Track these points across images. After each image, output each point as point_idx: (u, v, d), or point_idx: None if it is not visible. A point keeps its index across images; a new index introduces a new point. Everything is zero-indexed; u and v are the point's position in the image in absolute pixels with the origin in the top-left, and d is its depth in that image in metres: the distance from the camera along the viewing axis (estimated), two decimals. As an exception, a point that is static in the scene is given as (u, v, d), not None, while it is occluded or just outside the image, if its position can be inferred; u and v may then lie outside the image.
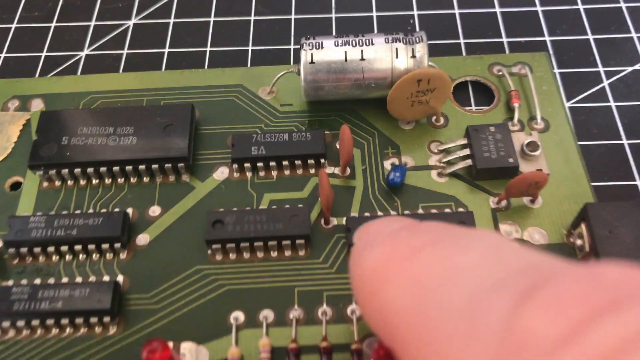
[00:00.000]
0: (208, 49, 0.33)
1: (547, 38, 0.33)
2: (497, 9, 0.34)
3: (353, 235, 0.19)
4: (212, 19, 0.35)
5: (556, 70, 0.31)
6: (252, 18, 0.34)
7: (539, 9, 0.34)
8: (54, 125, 0.28)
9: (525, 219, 0.26)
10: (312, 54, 0.27)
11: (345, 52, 0.27)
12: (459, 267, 0.13)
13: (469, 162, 0.27)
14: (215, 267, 0.25)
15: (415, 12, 0.34)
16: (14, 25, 0.35)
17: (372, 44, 0.27)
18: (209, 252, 0.25)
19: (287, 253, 0.25)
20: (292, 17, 0.34)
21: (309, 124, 0.29)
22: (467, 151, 0.27)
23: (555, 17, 0.34)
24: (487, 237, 0.14)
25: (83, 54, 0.33)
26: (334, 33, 0.33)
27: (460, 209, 0.26)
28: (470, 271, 0.12)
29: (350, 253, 0.18)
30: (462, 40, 0.33)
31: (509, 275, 0.12)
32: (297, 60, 0.32)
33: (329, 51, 0.27)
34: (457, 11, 0.34)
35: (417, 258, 0.14)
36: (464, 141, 0.28)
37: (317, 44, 0.27)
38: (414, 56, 0.27)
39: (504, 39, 0.33)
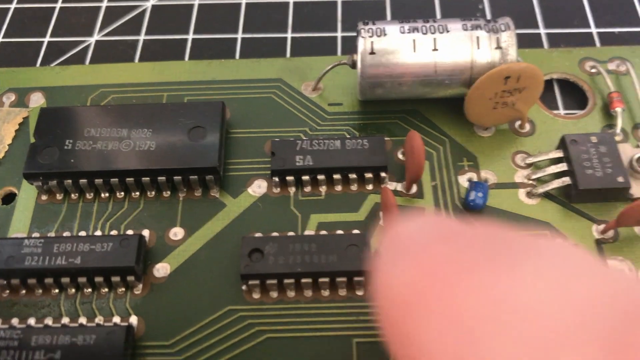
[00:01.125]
0: (240, 35, 0.28)
1: (646, 28, 0.27)
2: (583, -7, 0.29)
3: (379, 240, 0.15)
4: (244, 0, 0.29)
5: (660, 67, 0.26)
6: (292, 0, 0.29)
7: (633, -7, 0.29)
8: (55, 125, 0.23)
9: (639, 254, 0.21)
10: (372, 42, 0.22)
11: (414, 40, 0.22)
12: (518, 303, 0.09)
13: (566, 180, 0.22)
14: (251, 308, 0.20)
15: (485, -4, 0.29)
16: (12, 6, 0.30)
17: (447, 31, 0.22)
18: (244, 288, 0.20)
19: (342, 293, 0.20)
20: (339, -1, 0.29)
21: (363, 129, 0.24)
22: (563, 166, 0.22)
23: (653, 3, 0.28)
24: (556, 255, 0.10)
25: (92, 40, 0.28)
26: (388, 18, 0.28)
27: (558, 240, 0.21)
28: (536, 311, 0.09)
29: (374, 263, 0.14)
30: (542, 30, 0.28)
31: (591, 323, 0.08)
32: (345, 51, 0.27)
33: (393, 39, 0.22)
34: (534, -5, 0.29)
35: (459, 285, 0.10)
36: (559, 154, 0.22)
37: (379, 30, 0.22)
38: (499, 47, 0.22)
39: (593, 29, 0.28)
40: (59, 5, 0.30)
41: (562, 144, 0.22)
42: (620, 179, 0.21)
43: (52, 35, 0.29)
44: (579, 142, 0.22)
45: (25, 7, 0.30)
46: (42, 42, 0.29)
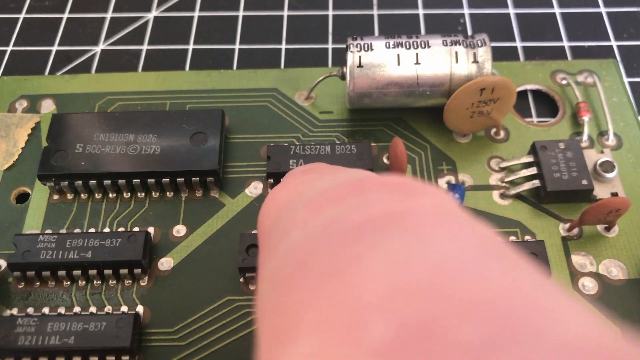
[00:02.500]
0: (237, 46, 0.30)
1: (614, 43, 0.30)
2: (557, 10, 0.31)
3: None
4: (241, 13, 0.31)
5: (626, 80, 0.28)
6: (286, 13, 0.31)
7: (602, 10, 0.31)
8: (66, 130, 0.25)
9: (600, 250, 0.23)
10: (360, 57, 0.24)
11: (398, 54, 0.24)
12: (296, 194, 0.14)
13: (536, 182, 0.24)
14: (248, 298, 0.22)
15: (466, 11, 0.31)
16: (22, 16, 0.32)
17: (429, 47, 0.24)
18: (242, 280, 0.22)
19: (332, 284, 0.22)
20: (330, 13, 0.31)
21: (352, 135, 0.26)
22: (533, 170, 0.24)
23: (621, 19, 0.30)
24: (344, 174, 0.14)
25: (98, 49, 0.30)
26: (376, 31, 0.30)
27: (527, 237, 0.23)
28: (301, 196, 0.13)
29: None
30: (518, 44, 0.30)
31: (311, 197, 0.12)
32: (336, 61, 0.29)
33: (380, 53, 0.24)
34: (512, 11, 0.31)
35: (286, 189, 0.15)
36: (530, 159, 0.24)
37: (366, 45, 0.24)
38: (475, 61, 0.24)
39: (565, 43, 0.30)
40: (66, 15, 0.32)
41: (533, 150, 0.24)
42: (585, 182, 0.23)
43: (59, 44, 0.31)
44: (548, 148, 0.24)
45: (33, 17, 0.32)
46: (50, 51, 0.30)
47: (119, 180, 0.24)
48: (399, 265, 0.08)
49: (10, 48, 0.30)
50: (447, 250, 0.09)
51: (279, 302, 0.10)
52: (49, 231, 0.23)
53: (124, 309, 0.22)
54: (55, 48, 0.30)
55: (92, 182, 0.24)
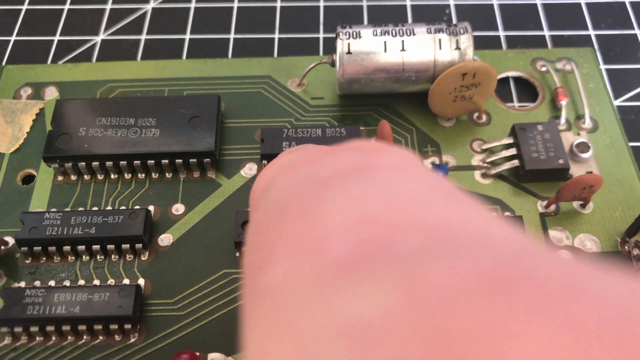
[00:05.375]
0: (232, 36, 0.31)
1: (592, 32, 0.31)
2: (538, 0, 0.32)
3: None
4: (235, 4, 0.33)
5: (602, 67, 0.29)
6: (279, 4, 0.32)
7: (582, 1, 0.32)
8: (70, 115, 0.26)
9: (576, 225, 0.24)
10: (349, 44, 0.25)
11: (385, 42, 0.25)
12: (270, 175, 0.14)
13: (515, 162, 0.25)
14: (244, 271, 0.23)
15: (452, 2, 0.32)
16: (24, 7, 0.33)
17: (414, 34, 0.25)
18: (238, 254, 0.23)
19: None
20: (321, 4, 0.32)
21: (341, 119, 0.27)
22: (512, 151, 0.25)
23: (599, 9, 0.32)
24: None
25: (98, 39, 0.31)
26: (365, 22, 0.32)
27: (507, 213, 0.24)
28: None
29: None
30: (501, 33, 0.31)
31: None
32: (327, 50, 0.31)
33: (367, 41, 0.25)
34: (495, 2, 0.32)
35: (272, 167, 0.15)
36: (510, 140, 0.26)
37: (355, 33, 0.25)
38: (458, 48, 0.25)
39: (546, 32, 0.31)
40: (67, 7, 0.33)
41: (513, 132, 0.26)
42: (561, 161, 0.25)
43: (61, 34, 0.32)
44: (526, 129, 0.25)
45: (35, 9, 0.33)
46: (52, 41, 0.32)
47: (121, 162, 0.25)
48: (357, 201, 0.10)
49: (13, 38, 0.32)
50: (400, 190, 0.10)
51: (257, 244, 0.11)
52: (54, 209, 0.24)
53: (126, 282, 0.23)
54: (57, 38, 0.32)
55: (95, 163, 0.25)
